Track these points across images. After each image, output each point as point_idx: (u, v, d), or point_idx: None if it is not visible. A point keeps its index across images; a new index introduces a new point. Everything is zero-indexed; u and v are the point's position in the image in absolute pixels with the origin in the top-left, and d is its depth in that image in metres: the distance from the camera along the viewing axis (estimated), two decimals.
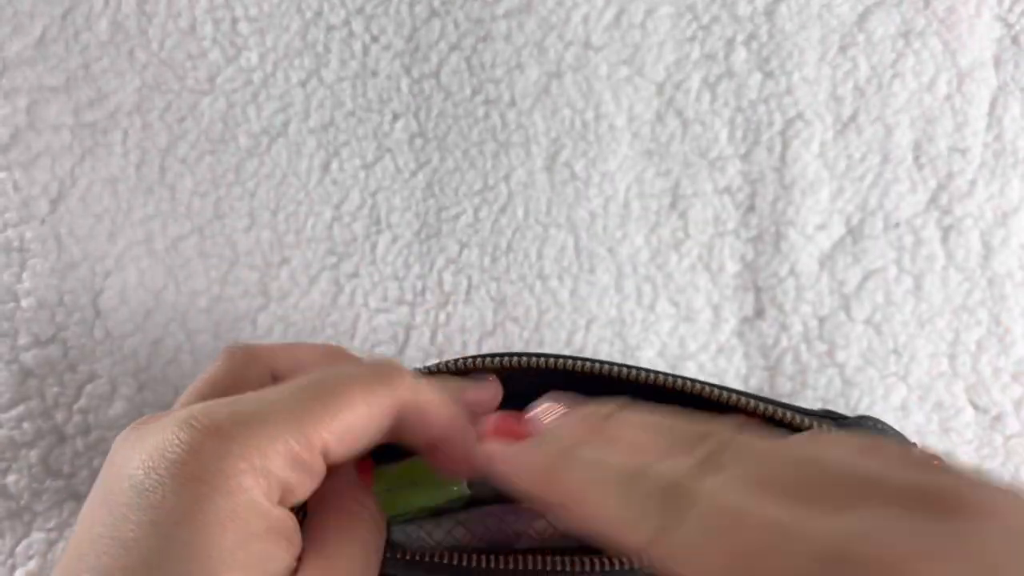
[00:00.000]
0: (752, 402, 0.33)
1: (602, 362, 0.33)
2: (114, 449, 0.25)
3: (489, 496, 0.35)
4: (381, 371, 0.27)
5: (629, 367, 0.32)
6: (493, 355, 0.33)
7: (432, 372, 0.33)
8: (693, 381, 0.33)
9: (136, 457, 0.23)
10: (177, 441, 0.22)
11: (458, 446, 0.28)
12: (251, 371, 0.30)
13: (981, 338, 0.47)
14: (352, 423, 0.25)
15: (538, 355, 0.33)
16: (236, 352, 0.30)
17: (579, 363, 0.32)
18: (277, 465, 0.23)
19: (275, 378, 0.30)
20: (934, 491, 0.18)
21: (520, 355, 0.33)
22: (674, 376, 0.33)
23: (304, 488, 0.24)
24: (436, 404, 0.28)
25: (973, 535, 0.17)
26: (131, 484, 0.22)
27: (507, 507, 0.34)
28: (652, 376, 0.32)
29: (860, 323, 0.47)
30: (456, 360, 0.33)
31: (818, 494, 0.19)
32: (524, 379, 0.33)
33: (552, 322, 0.48)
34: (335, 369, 0.27)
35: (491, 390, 0.32)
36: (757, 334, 0.48)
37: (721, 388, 0.33)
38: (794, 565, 0.18)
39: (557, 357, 0.33)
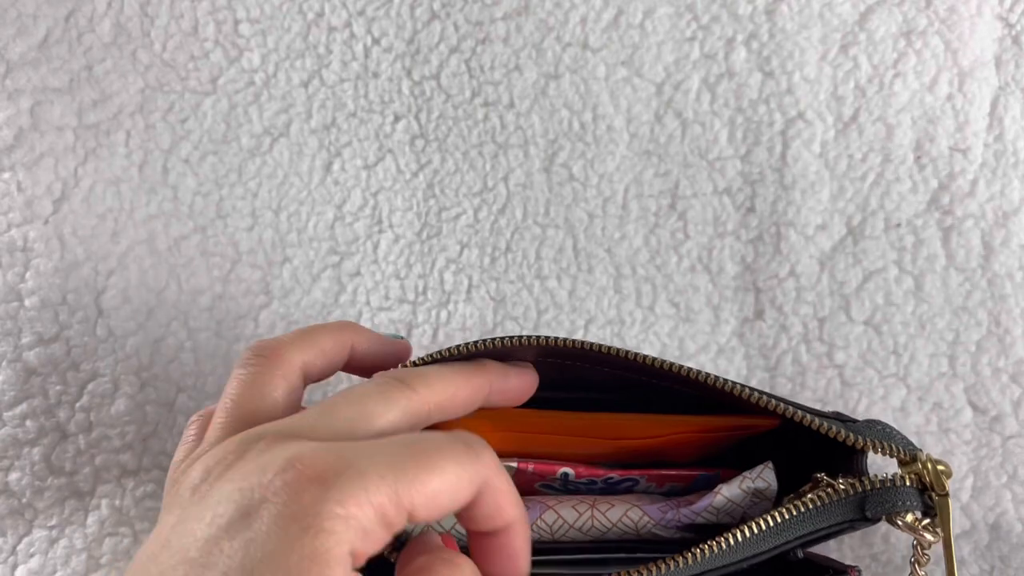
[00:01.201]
0: (770, 401, 0.32)
1: (603, 346, 0.32)
2: (199, 477, 0.25)
3: None
4: (471, 444, 0.27)
5: (631, 352, 0.32)
6: (496, 338, 0.32)
7: (441, 358, 0.32)
8: (689, 369, 0.32)
9: (234, 490, 0.23)
10: (281, 484, 0.23)
11: (521, 536, 0.28)
12: (276, 376, 0.30)
13: (981, 339, 0.46)
14: (441, 490, 0.25)
15: (539, 336, 0.32)
16: (253, 361, 0.30)
17: (582, 344, 0.32)
18: (368, 518, 0.23)
19: (306, 377, 0.31)
20: None
21: (520, 337, 0.32)
22: (677, 364, 0.32)
23: (378, 545, 0.24)
24: (513, 490, 0.28)
25: None
26: (227, 516, 0.23)
27: None
28: (653, 361, 0.32)
29: (860, 324, 0.46)
30: (458, 346, 0.32)
31: None
32: (525, 357, 0.33)
33: (551, 322, 0.47)
34: (430, 434, 0.27)
35: (526, 379, 0.33)
36: (757, 335, 0.47)
37: (735, 383, 0.32)
38: None
39: (558, 338, 0.32)
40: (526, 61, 0.48)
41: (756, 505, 0.34)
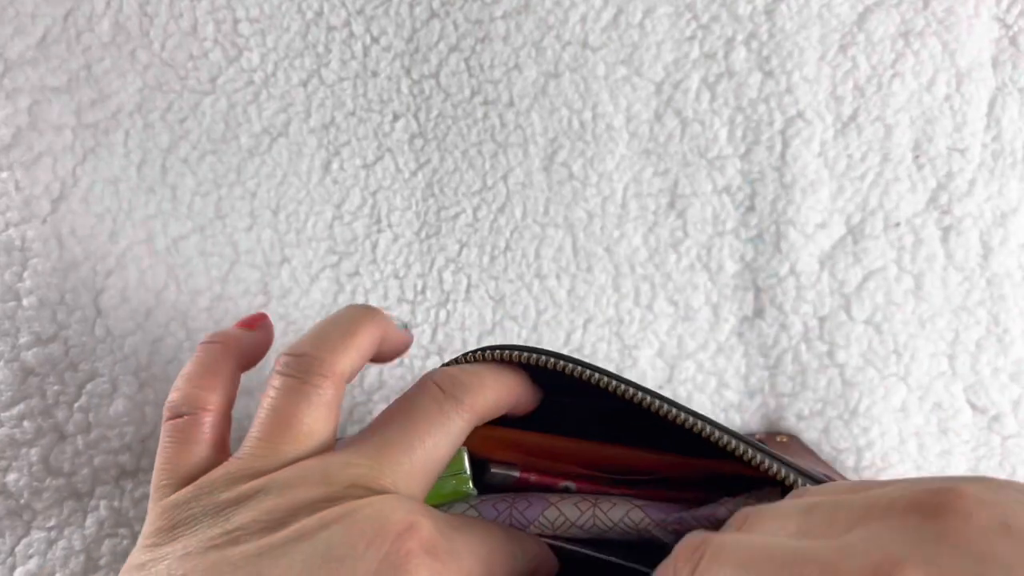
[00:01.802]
0: (748, 451, 0.31)
1: (600, 371, 0.31)
2: (279, 512, 0.25)
3: (499, 490, 0.34)
4: (523, 543, 0.29)
5: (626, 383, 0.31)
6: (498, 347, 0.32)
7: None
8: (688, 414, 0.31)
9: (355, 541, 0.24)
10: (405, 551, 0.23)
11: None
12: (329, 392, 0.28)
13: (980, 338, 0.45)
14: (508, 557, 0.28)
15: (539, 351, 0.31)
16: (312, 379, 0.29)
17: (575, 368, 0.31)
18: None
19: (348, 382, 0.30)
20: (919, 500, 0.21)
21: (522, 349, 0.31)
22: (668, 404, 0.31)
23: None
24: (501, 396, 0.30)
25: (952, 533, 0.19)
26: (352, 564, 0.23)
27: (519, 495, 0.33)
28: (645, 398, 0.31)
29: (860, 323, 0.46)
30: (464, 355, 0.32)
31: (819, 531, 0.22)
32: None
33: (550, 321, 0.46)
34: (503, 535, 0.28)
35: (535, 390, 0.33)
36: (757, 333, 0.46)
37: (715, 426, 0.31)
38: None
39: (557, 357, 0.31)
40: (526, 60, 0.47)
41: None
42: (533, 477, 0.34)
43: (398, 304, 0.46)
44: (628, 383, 0.31)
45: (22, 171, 0.47)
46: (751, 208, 0.47)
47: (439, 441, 0.28)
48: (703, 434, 0.30)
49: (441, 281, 0.47)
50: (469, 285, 0.47)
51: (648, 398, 0.31)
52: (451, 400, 0.28)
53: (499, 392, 0.30)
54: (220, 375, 0.30)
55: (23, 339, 0.45)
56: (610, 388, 0.31)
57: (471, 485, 0.33)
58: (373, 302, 0.46)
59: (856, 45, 0.47)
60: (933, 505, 0.21)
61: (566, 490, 0.35)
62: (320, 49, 0.48)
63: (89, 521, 0.44)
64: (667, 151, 0.47)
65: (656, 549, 0.34)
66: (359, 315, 0.30)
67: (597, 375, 0.31)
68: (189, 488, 0.26)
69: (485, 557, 0.26)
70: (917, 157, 0.47)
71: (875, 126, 0.47)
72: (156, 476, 0.27)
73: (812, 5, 0.47)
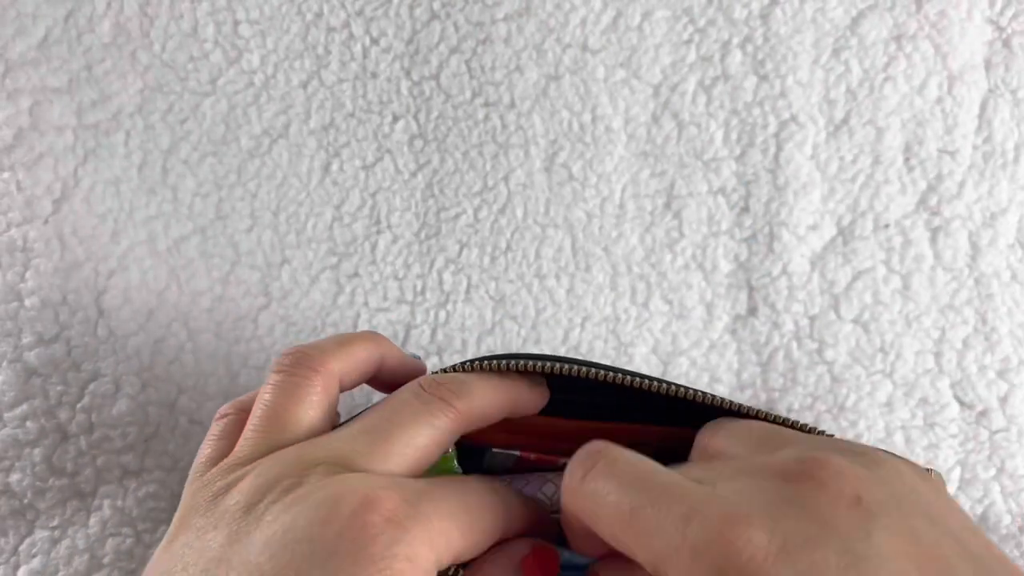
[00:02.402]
0: (741, 407, 0.32)
1: (591, 364, 0.31)
2: (251, 496, 0.25)
3: (500, 471, 0.34)
4: (504, 497, 0.28)
5: (623, 372, 0.31)
6: (484, 358, 0.32)
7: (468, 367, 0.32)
8: (684, 388, 0.31)
9: (305, 520, 0.24)
10: (360, 525, 0.23)
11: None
12: (318, 387, 0.29)
13: (967, 336, 0.46)
14: (481, 540, 0.27)
15: (530, 356, 0.31)
16: (295, 370, 0.29)
17: (570, 367, 0.31)
18: (429, 562, 0.24)
19: (342, 387, 0.31)
20: (788, 466, 0.23)
21: (509, 357, 0.31)
22: (658, 381, 0.31)
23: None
24: (492, 402, 0.30)
25: (803, 499, 0.22)
26: (300, 548, 0.23)
27: (517, 475, 0.34)
28: (639, 381, 0.31)
29: (849, 322, 0.46)
30: (452, 366, 0.32)
31: (711, 476, 0.24)
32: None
33: (549, 320, 0.46)
34: (478, 487, 0.28)
35: (541, 394, 0.33)
36: (750, 331, 0.46)
37: (714, 396, 0.32)
38: (669, 522, 0.22)
39: (552, 360, 0.31)
40: (527, 62, 0.47)
41: None
42: (533, 456, 0.34)
43: (397, 305, 0.46)
44: (619, 371, 0.31)
45: (24, 172, 0.46)
46: (745, 209, 0.47)
47: (420, 431, 0.28)
48: (696, 398, 0.31)
49: (441, 282, 0.46)
50: (469, 286, 0.46)
51: (637, 379, 0.31)
52: (436, 400, 0.29)
53: (488, 397, 0.31)
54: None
55: (25, 339, 0.44)
56: (600, 377, 0.31)
57: (456, 463, 0.33)
58: (372, 303, 0.46)
59: (849, 49, 0.47)
60: (797, 472, 0.23)
61: (565, 467, 0.34)
62: (320, 51, 0.48)
63: (92, 520, 0.43)
64: (664, 153, 0.47)
65: None
66: (359, 332, 0.32)
67: (588, 369, 0.31)
68: (198, 481, 0.27)
69: (461, 515, 0.26)
70: (908, 159, 0.47)
71: (866, 129, 0.47)
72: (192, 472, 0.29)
73: (806, 10, 0.47)
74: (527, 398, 0.32)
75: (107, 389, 0.44)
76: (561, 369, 0.31)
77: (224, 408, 0.30)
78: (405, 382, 0.31)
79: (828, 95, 0.47)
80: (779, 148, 0.47)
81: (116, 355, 0.45)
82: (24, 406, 0.44)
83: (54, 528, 0.43)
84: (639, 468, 0.24)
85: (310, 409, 0.29)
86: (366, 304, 0.46)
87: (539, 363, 0.31)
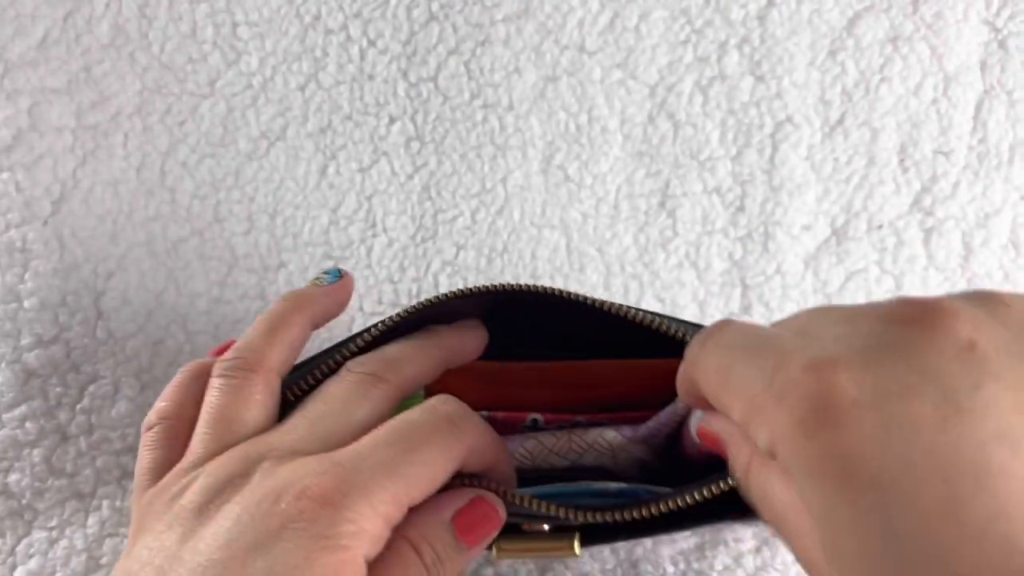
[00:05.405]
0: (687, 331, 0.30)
1: (536, 287, 0.30)
2: (203, 496, 0.25)
3: None
4: (453, 418, 0.27)
5: (565, 291, 0.30)
6: (439, 296, 0.31)
7: (393, 324, 0.30)
8: (647, 312, 0.30)
9: (250, 515, 0.24)
10: (296, 511, 0.23)
11: (502, 472, 0.29)
12: (259, 385, 0.29)
13: None
14: (435, 479, 0.26)
15: (476, 287, 0.31)
16: (234, 373, 0.29)
17: (516, 287, 0.30)
18: (377, 527, 0.24)
19: (282, 375, 0.30)
20: (900, 310, 0.19)
21: (461, 291, 0.30)
22: (627, 307, 0.30)
23: (384, 541, 0.25)
24: (494, 438, 0.29)
25: (908, 344, 0.18)
26: (247, 540, 0.23)
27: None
28: (601, 304, 0.30)
29: None
30: (406, 310, 0.30)
31: (812, 328, 0.21)
32: (478, 304, 0.32)
33: None
34: (414, 419, 0.27)
35: (478, 337, 0.33)
36: None
37: (672, 320, 0.31)
38: (758, 371, 0.20)
39: (493, 285, 0.31)
40: (526, 63, 0.44)
41: None
42: (500, 415, 0.33)
43: (392, 308, 0.43)
44: (574, 294, 0.30)
45: (23, 172, 0.43)
46: (741, 208, 0.43)
47: (358, 408, 0.28)
48: (646, 323, 0.30)
49: (437, 285, 0.43)
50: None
51: (582, 296, 0.30)
52: (366, 376, 0.29)
53: (418, 359, 0.30)
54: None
55: (25, 341, 0.41)
56: (552, 292, 0.30)
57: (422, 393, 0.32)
58: (367, 307, 0.43)
59: (845, 50, 0.44)
60: (904, 315, 0.19)
61: (534, 422, 0.33)
62: (318, 53, 0.44)
63: (91, 521, 0.40)
64: (659, 153, 0.44)
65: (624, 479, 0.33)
66: (281, 311, 0.31)
67: (540, 287, 0.30)
68: (153, 488, 0.27)
69: (405, 468, 0.25)
70: (902, 160, 0.44)
71: (862, 130, 0.44)
72: (137, 479, 0.29)
73: (803, 11, 0.44)
74: (459, 346, 0.32)
75: (106, 391, 0.41)
76: (476, 289, 0.30)
77: (149, 419, 0.30)
78: (339, 312, 0.33)
79: (824, 96, 0.44)
80: (775, 148, 0.44)
81: (115, 357, 0.42)
82: (23, 407, 0.41)
83: (52, 528, 0.40)
84: (745, 329, 0.23)
85: (254, 408, 0.28)
86: (361, 308, 0.42)
87: (448, 295, 0.30)
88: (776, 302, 0.43)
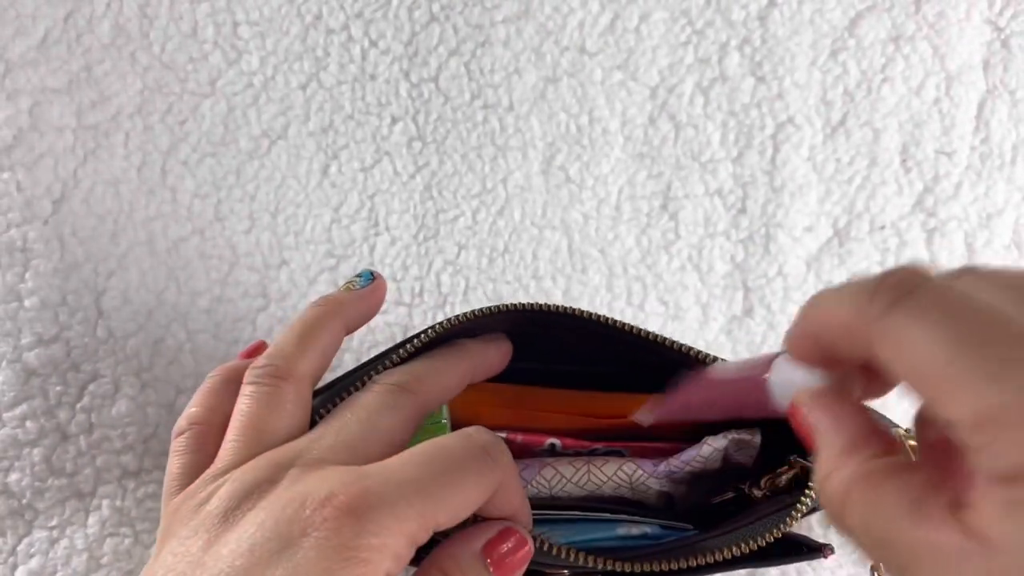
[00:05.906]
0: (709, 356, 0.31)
1: (566, 308, 0.31)
2: (229, 502, 0.25)
3: None
4: (489, 449, 0.26)
5: (594, 314, 0.31)
6: (467, 313, 0.31)
7: (421, 345, 0.30)
8: (675, 342, 0.31)
9: (274, 521, 0.23)
10: (320, 519, 0.23)
11: (526, 519, 0.29)
12: (290, 394, 0.28)
13: None
14: (464, 505, 0.25)
15: (506, 304, 0.31)
16: (267, 381, 0.28)
17: (545, 307, 0.30)
18: (400, 545, 0.23)
19: (314, 383, 0.30)
20: None
21: (490, 308, 0.31)
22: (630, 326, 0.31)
23: (407, 561, 0.24)
24: (519, 484, 0.28)
25: None
26: (270, 547, 0.23)
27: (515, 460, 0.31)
28: (615, 323, 0.31)
29: None
30: (433, 327, 0.30)
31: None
32: (492, 323, 0.31)
33: None
34: (449, 444, 0.26)
35: (502, 350, 0.32)
36: (745, 332, 0.43)
37: (681, 344, 0.31)
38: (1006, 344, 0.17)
39: (523, 304, 0.31)
40: (526, 64, 0.44)
41: (740, 451, 0.32)
42: (520, 438, 0.33)
43: (395, 307, 0.42)
44: (593, 313, 0.31)
45: (23, 172, 0.43)
46: (742, 210, 0.43)
47: (383, 417, 0.28)
48: (675, 348, 0.30)
49: (439, 284, 0.42)
50: (467, 287, 0.43)
51: (612, 320, 0.30)
52: (393, 388, 0.29)
53: (445, 372, 0.30)
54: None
55: (25, 340, 0.41)
56: (580, 314, 0.30)
57: (449, 424, 0.32)
58: None
59: (847, 50, 0.43)
60: None
61: (552, 447, 0.33)
62: (319, 52, 0.44)
63: (91, 520, 0.39)
64: (661, 154, 0.43)
65: (642, 512, 0.33)
66: (314, 317, 0.30)
67: (569, 308, 0.30)
68: (181, 494, 0.27)
69: (433, 488, 0.24)
70: (904, 161, 0.43)
71: (863, 131, 0.43)
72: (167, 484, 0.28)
73: (804, 11, 0.43)
74: (484, 359, 0.32)
75: (107, 390, 0.41)
76: (506, 307, 0.30)
77: (180, 424, 0.29)
78: (372, 315, 0.32)
79: (825, 96, 0.43)
80: (776, 150, 0.43)
81: (115, 356, 0.41)
82: (24, 406, 0.40)
83: (52, 528, 0.39)
84: (965, 298, 0.18)
85: (284, 417, 0.28)
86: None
87: (477, 312, 0.30)
88: (778, 304, 0.43)
